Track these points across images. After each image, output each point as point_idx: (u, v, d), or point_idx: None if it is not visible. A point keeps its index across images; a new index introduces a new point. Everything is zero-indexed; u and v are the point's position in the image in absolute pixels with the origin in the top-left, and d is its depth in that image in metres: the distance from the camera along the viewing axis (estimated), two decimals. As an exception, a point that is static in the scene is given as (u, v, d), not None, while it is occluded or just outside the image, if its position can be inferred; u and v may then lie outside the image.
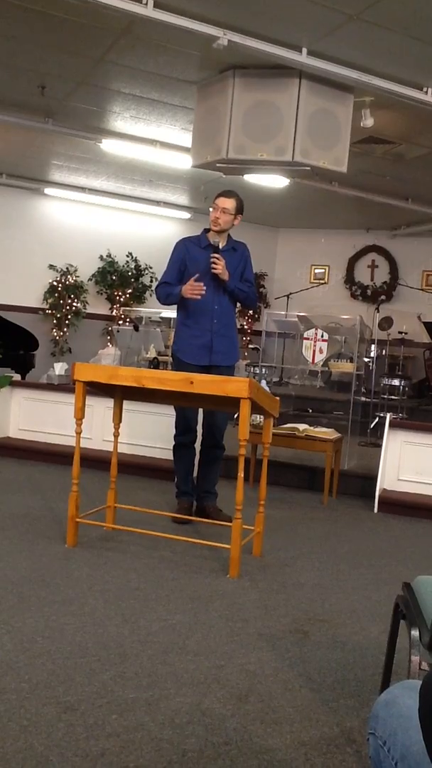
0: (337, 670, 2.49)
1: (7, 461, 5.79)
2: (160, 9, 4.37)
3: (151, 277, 10.35)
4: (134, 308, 10.14)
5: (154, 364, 7.93)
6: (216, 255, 4.15)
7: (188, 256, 4.28)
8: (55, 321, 10.08)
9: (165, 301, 4.36)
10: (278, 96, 5.24)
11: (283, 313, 8.57)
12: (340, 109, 5.38)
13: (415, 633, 1.82)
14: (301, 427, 5.32)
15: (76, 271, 10.18)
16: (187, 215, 10.55)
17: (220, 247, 4.24)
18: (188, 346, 4.30)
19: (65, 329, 10.14)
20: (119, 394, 3.94)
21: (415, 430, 5.42)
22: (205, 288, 4.12)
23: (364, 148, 6.82)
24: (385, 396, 7.75)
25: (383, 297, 10.56)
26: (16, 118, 6.87)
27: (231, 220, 4.24)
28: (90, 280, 10.31)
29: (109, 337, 10.20)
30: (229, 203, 4.22)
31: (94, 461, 5.17)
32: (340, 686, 2.36)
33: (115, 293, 10.43)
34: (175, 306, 4.40)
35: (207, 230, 4.34)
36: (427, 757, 1.03)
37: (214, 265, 4.13)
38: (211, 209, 4.29)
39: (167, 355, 7.57)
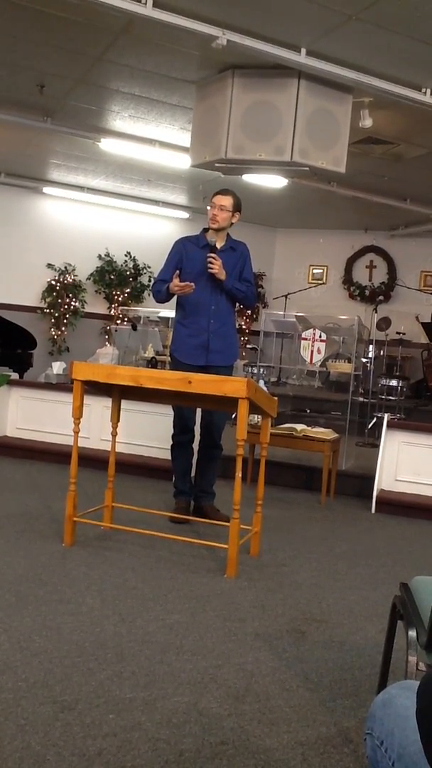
0: (335, 670, 2.49)
1: (4, 460, 5.78)
2: (159, 8, 4.37)
3: (150, 276, 10.34)
4: (132, 308, 10.13)
5: (152, 363, 7.92)
6: (212, 254, 4.15)
7: (185, 255, 4.28)
8: (53, 320, 10.07)
9: (156, 298, 4.36)
10: (277, 96, 5.23)
11: (281, 313, 8.57)
12: (339, 110, 5.38)
13: (412, 633, 1.82)
14: (299, 427, 5.33)
15: (74, 270, 10.18)
16: (185, 215, 10.55)
17: (218, 246, 4.24)
18: (185, 346, 4.30)
19: (63, 328, 10.13)
20: (117, 393, 3.94)
21: (412, 431, 5.42)
22: (193, 285, 4.11)
23: (363, 149, 6.82)
24: (383, 396, 7.75)
25: (381, 297, 10.57)
26: (14, 117, 6.86)
27: (229, 218, 4.24)
28: (88, 279, 10.30)
29: (107, 337, 10.20)
30: (226, 200, 4.22)
31: (92, 460, 5.17)
32: (338, 686, 2.36)
33: (114, 293, 10.42)
34: (174, 305, 4.41)
35: (206, 230, 4.34)
36: (424, 757, 1.03)
37: (210, 265, 4.13)
38: (208, 208, 4.29)
39: (165, 355, 7.57)
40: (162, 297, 4.27)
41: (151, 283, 4.60)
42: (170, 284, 4.15)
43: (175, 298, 4.32)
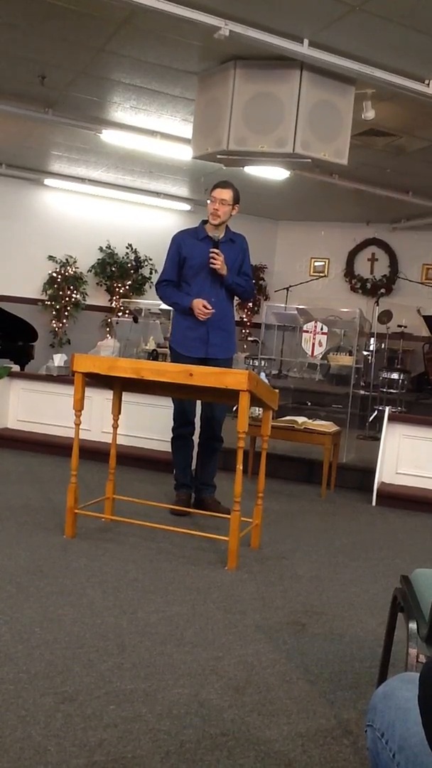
0: (335, 662, 2.49)
1: (5, 452, 5.79)
2: (161, -1, 4.35)
3: (151, 268, 10.34)
4: (133, 300, 10.13)
5: (153, 355, 7.93)
6: (215, 250, 4.14)
7: (185, 249, 4.26)
8: (54, 312, 10.07)
9: (169, 305, 4.43)
10: (279, 87, 5.21)
11: (282, 305, 8.56)
12: (341, 101, 5.35)
13: (412, 626, 1.82)
14: (300, 419, 5.32)
15: (75, 262, 10.16)
16: (187, 207, 10.52)
17: (219, 238, 4.23)
18: (184, 338, 4.30)
19: (64, 320, 10.12)
20: (118, 385, 3.94)
21: (413, 424, 5.42)
22: (213, 311, 4.17)
23: (365, 141, 6.79)
24: (384, 389, 7.75)
25: (383, 290, 10.54)
26: (15, 108, 6.83)
27: (230, 211, 4.23)
28: (89, 271, 10.29)
29: (108, 329, 10.19)
30: (226, 194, 4.20)
31: (93, 453, 5.18)
32: (338, 678, 2.37)
33: (115, 285, 10.41)
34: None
35: (205, 221, 4.33)
36: (425, 748, 1.03)
37: (212, 261, 4.12)
38: (209, 201, 4.27)
39: (166, 347, 7.57)
40: (178, 310, 4.34)
41: (156, 282, 4.57)
42: (192, 304, 4.16)
43: (177, 290, 4.32)
